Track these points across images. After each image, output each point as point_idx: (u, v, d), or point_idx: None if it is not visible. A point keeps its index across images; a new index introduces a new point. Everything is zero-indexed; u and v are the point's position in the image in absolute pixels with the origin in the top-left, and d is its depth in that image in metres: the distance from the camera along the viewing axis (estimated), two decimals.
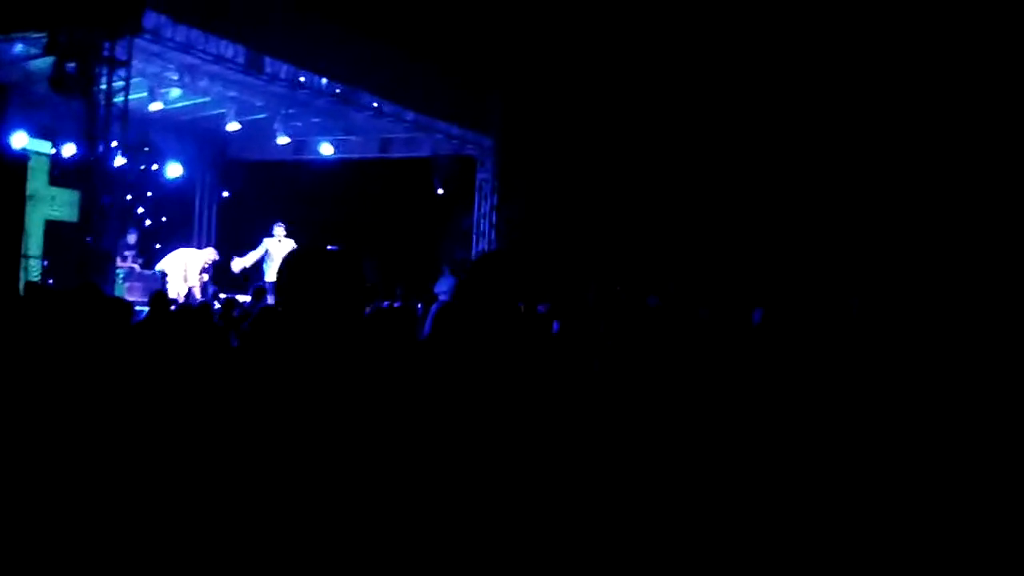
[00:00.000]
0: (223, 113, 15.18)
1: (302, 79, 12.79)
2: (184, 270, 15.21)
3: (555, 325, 6.77)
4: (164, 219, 17.63)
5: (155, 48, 11.55)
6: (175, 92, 13.98)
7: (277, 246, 14.77)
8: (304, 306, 2.50)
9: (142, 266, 15.74)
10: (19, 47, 11.61)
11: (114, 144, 11.52)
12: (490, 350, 2.72)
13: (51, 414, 3.38)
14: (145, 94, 13.58)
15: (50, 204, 15.21)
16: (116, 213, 14.31)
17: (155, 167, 17.06)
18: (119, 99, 10.96)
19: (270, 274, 14.54)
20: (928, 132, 15.04)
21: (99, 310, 4.51)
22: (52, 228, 15.11)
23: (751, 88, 16.19)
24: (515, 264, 2.79)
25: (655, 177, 16.83)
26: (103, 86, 10.52)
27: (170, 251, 16.54)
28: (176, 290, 14.90)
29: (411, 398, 2.53)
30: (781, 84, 15.92)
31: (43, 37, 10.27)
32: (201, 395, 2.56)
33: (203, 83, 13.45)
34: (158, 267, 15.31)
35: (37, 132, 14.92)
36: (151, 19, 10.33)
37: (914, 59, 14.96)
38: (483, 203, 16.89)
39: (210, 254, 15.36)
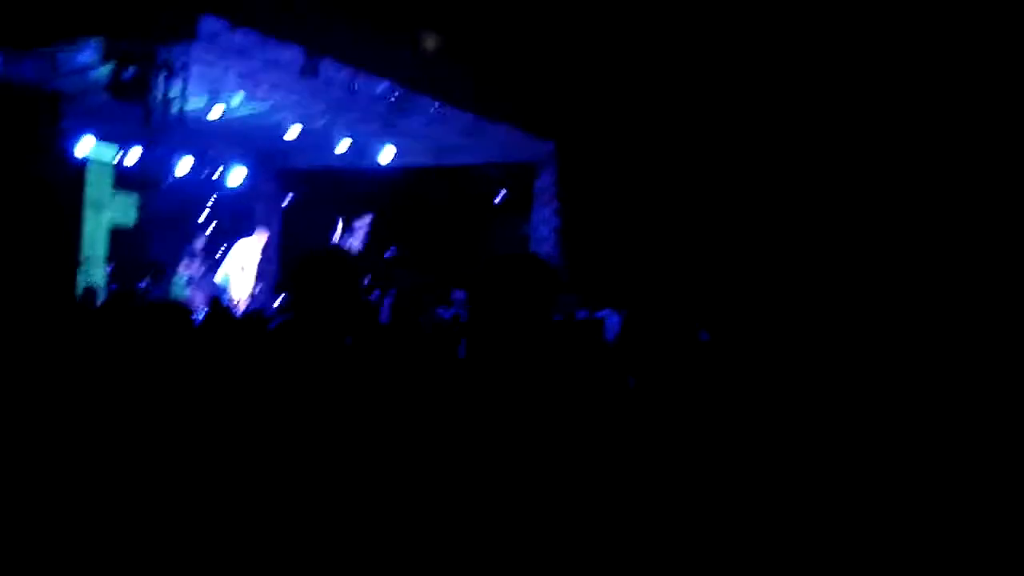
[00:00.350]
0: (283, 119, 15.26)
1: (359, 82, 12.77)
2: (242, 266, 15.20)
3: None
4: (226, 226, 17.75)
5: (213, 54, 11.63)
6: (236, 99, 14.05)
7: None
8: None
9: (205, 272, 15.89)
10: (83, 56, 11.76)
11: (172, 150, 11.63)
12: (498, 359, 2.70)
13: (93, 414, 3.35)
14: (206, 101, 13.66)
15: (114, 210, 15.47)
16: (175, 219, 14.55)
17: (217, 174, 17.25)
18: (176, 104, 11.05)
19: None
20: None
21: (140, 316, 4.45)
22: (116, 233, 15.37)
23: (827, 90, 15.83)
24: (520, 271, 2.77)
25: (725, 184, 16.51)
26: (160, 92, 10.59)
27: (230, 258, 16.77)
28: (241, 291, 14.92)
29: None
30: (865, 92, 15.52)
31: (102, 44, 10.37)
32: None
33: (263, 89, 13.51)
34: (218, 276, 15.35)
35: (103, 139, 15.18)
36: (207, 25, 10.37)
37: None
38: (542, 209, 16.73)
39: (262, 237, 15.06)
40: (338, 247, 14.15)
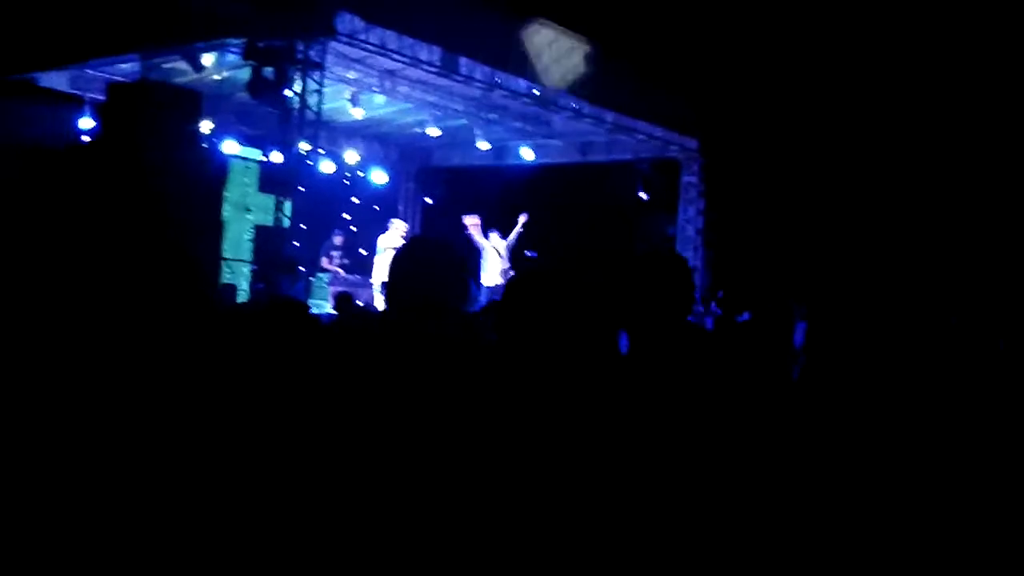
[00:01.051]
0: (424, 119, 15.17)
1: (499, 80, 12.51)
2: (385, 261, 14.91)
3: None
4: (368, 225, 17.78)
5: (353, 54, 11.55)
6: (378, 99, 14.00)
7: (490, 249, 14.28)
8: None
9: (347, 270, 15.90)
10: (229, 58, 11.86)
11: (310, 148, 11.60)
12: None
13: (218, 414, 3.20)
14: (347, 101, 13.66)
15: (257, 211, 15.66)
16: (318, 219, 14.58)
17: (360, 174, 17.31)
18: (315, 104, 11.00)
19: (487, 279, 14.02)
20: None
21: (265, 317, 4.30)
22: (260, 233, 15.52)
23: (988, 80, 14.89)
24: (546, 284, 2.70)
25: (879, 181, 15.69)
26: (298, 90, 10.55)
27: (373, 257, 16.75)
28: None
29: None
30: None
31: (242, 44, 10.39)
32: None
33: (403, 88, 13.41)
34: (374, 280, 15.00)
35: (248, 141, 15.38)
36: (344, 22, 10.27)
37: None
38: (688, 208, 16.19)
39: (399, 227, 14.66)
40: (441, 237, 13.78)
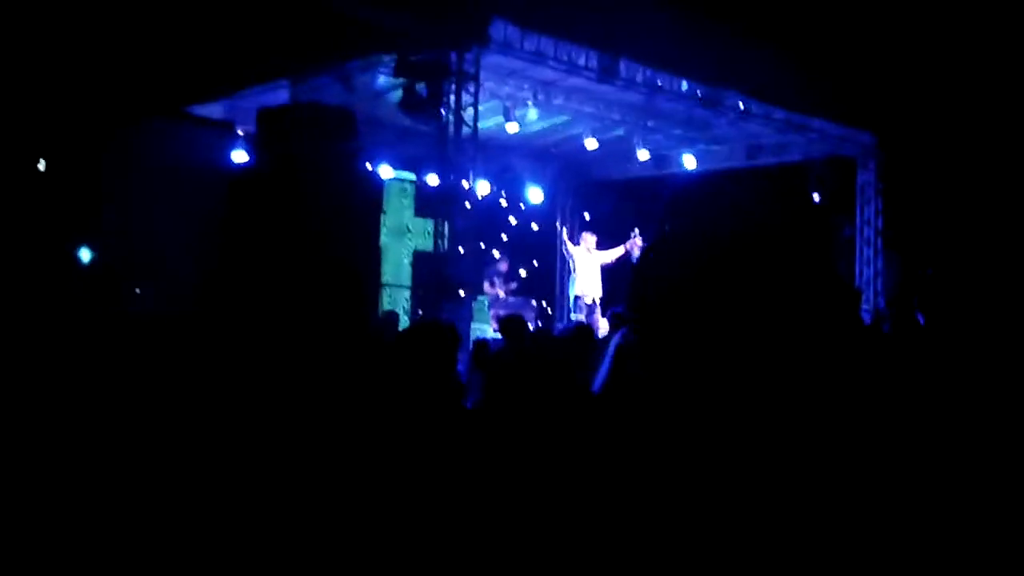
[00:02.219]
0: (580, 133, 14.62)
1: (660, 83, 11.82)
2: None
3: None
4: (529, 245, 17.32)
5: (507, 65, 11.08)
6: (532, 114, 13.51)
7: (586, 257, 14.14)
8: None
9: (511, 293, 15.47)
10: (381, 79, 11.57)
11: (470, 171, 11.17)
12: None
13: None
14: (501, 118, 13.22)
15: (415, 235, 15.40)
16: (477, 241, 14.21)
17: (517, 193, 16.86)
18: (470, 120, 10.54)
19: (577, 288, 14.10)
20: None
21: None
22: (419, 258, 15.27)
23: None
24: None
25: None
26: (453, 104, 10.10)
27: (535, 278, 16.33)
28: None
29: None
30: None
31: (394, 59, 10.03)
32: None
33: (558, 100, 12.89)
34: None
35: (403, 164, 15.14)
36: (498, 29, 9.78)
37: None
38: (866, 208, 15.13)
39: (589, 240, 14.59)
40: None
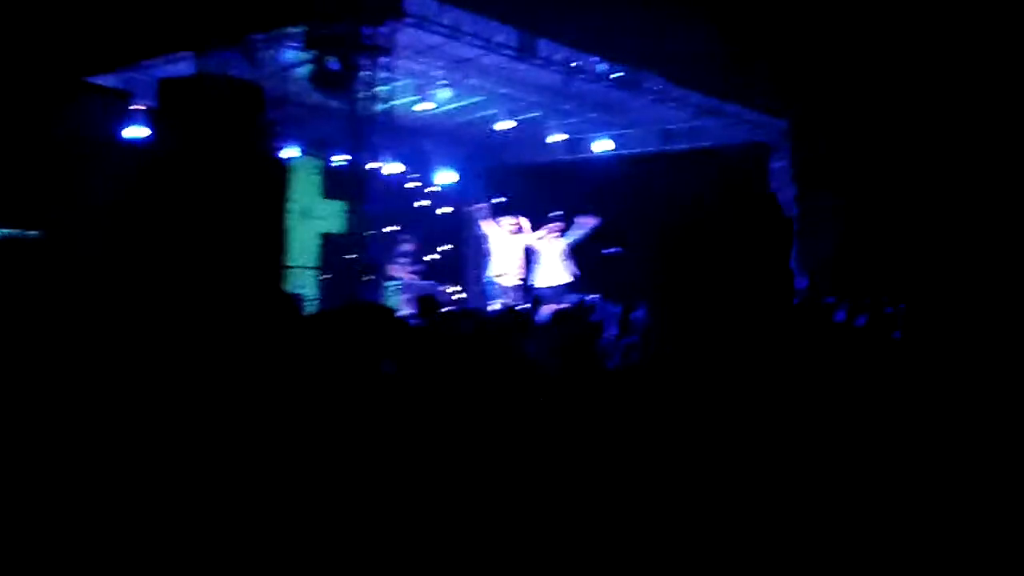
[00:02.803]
0: (494, 114, 14.28)
1: (578, 63, 11.54)
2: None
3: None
4: (437, 228, 16.92)
5: (423, 41, 10.67)
6: (444, 93, 13.13)
7: (505, 239, 13.87)
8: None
9: (420, 276, 15.09)
10: (288, 55, 11.06)
11: (380, 151, 10.76)
12: None
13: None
14: (412, 97, 12.81)
15: (323, 217, 14.91)
16: (385, 223, 13.80)
17: (427, 175, 16.46)
18: (382, 98, 10.12)
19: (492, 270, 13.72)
20: None
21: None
22: (328, 241, 14.79)
23: None
24: None
25: (974, 168, 14.52)
26: (365, 83, 9.66)
27: (446, 262, 15.96)
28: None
29: None
30: None
31: (303, 33, 9.55)
32: None
33: (473, 80, 12.54)
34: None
35: (308, 147, 14.64)
36: (415, 2, 9.38)
37: None
38: (779, 193, 15.10)
39: (509, 223, 14.18)
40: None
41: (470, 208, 17.51)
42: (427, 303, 8.46)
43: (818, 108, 14.80)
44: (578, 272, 13.99)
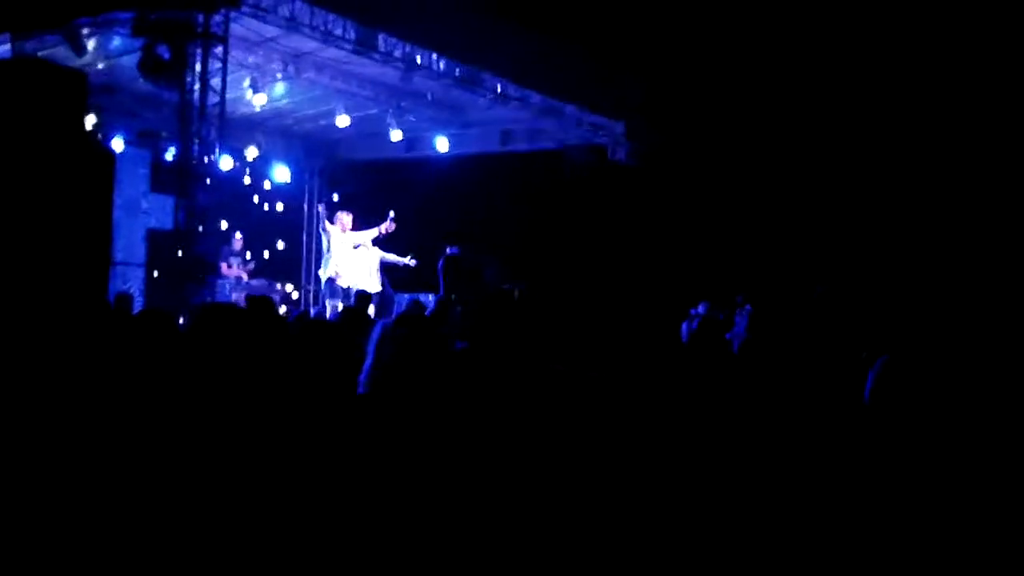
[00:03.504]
0: (332, 110, 14.00)
1: (418, 59, 11.41)
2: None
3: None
4: (271, 225, 16.48)
5: (259, 32, 10.34)
6: (280, 88, 12.81)
7: (341, 238, 13.32)
8: None
9: (252, 275, 14.68)
10: (116, 41, 10.56)
11: (213, 145, 10.36)
12: None
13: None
14: (248, 90, 12.42)
15: (151, 213, 14.34)
16: (218, 220, 13.37)
17: (263, 170, 16.01)
18: (216, 90, 9.74)
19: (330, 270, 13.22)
20: None
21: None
22: (154, 237, 14.24)
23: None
24: None
25: (813, 167, 15.11)
26: (197, 73, 9.28)
27: (279, 261, 15.57)
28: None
29: None
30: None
31: (132, 19, 9.10)
32: None
33: (309, 74, 12.25)
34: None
35: (135, 138, 14.07)
36: None
37: None
38: None
39: (346, 220, 13.72)
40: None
41: (309, 205, 17.16)
42: (258, 304, 8.13)
43: (656, 111, 15.07)
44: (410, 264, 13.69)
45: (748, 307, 11.03)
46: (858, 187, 14.94)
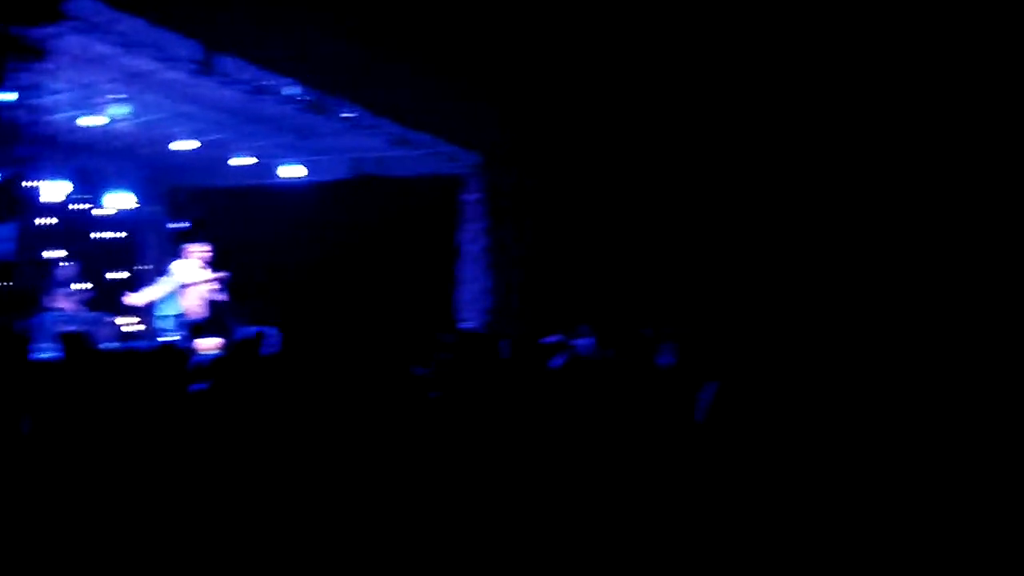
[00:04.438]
0: (175, 133, 13.31)
1: (268, 83, 10.87)
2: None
3: None
4: (107, 255, 15.56)
5: (93, 49, 9.63)
6: (119, 109, 12.05)
7: (189, 273, 12.73)
8: None
9: (82, 307, 13.78)
10: None
11: (41, 170, 9.62)
12: None
13: None
14: (80, 110, 11.67)
15: None
16: (48, 250, 12.55)
17: (97, 197, 15.10)
18: (43, 110, 9.00)
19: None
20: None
21: None
22: None
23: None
24: None
25: (668, 194, 15.21)
26: (20, 92, 8.53)
27: (116, 291, 14.70)
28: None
29: None
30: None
31: None
32: None
33: (150, 95, 11.56)
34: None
35: None
36: (81, 5, 8.37)
37: None
38: (471, 225, 15.08)
39: (198, 251, 12.98)
40: None
41: (150, 233, 16.31)
42: (72, 341, 7.45)
43: (511, 142, 14.94)
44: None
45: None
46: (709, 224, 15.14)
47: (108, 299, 14.70)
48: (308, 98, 11.53)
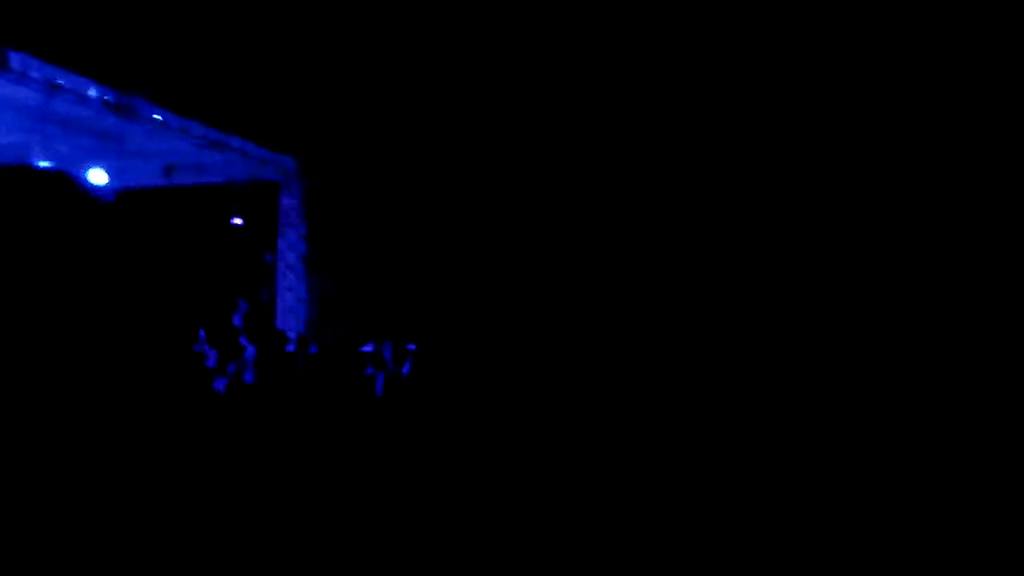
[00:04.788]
0: None
1: (61, 82, 10.38)
2: None
3: None
4: None
5: None
6: None
7: None
8: None
9: None
10: None
11: None
12: None
13: None
14: None
15: None
16: None
17: None
18: None
19: None
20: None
21: None
22: None
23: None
24: None
25: (489, 198, 15.23)
26: None
27: None
28: None
29: None
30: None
31: None
32: None
33: None
34: None
35: None
36: None
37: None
38: (288, 232, 14.80)
39: None
40: None
41: None
42: None
43: (327, 146, 14.70)
44: None
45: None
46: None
47: None
48: (107, 98, 11.07)
